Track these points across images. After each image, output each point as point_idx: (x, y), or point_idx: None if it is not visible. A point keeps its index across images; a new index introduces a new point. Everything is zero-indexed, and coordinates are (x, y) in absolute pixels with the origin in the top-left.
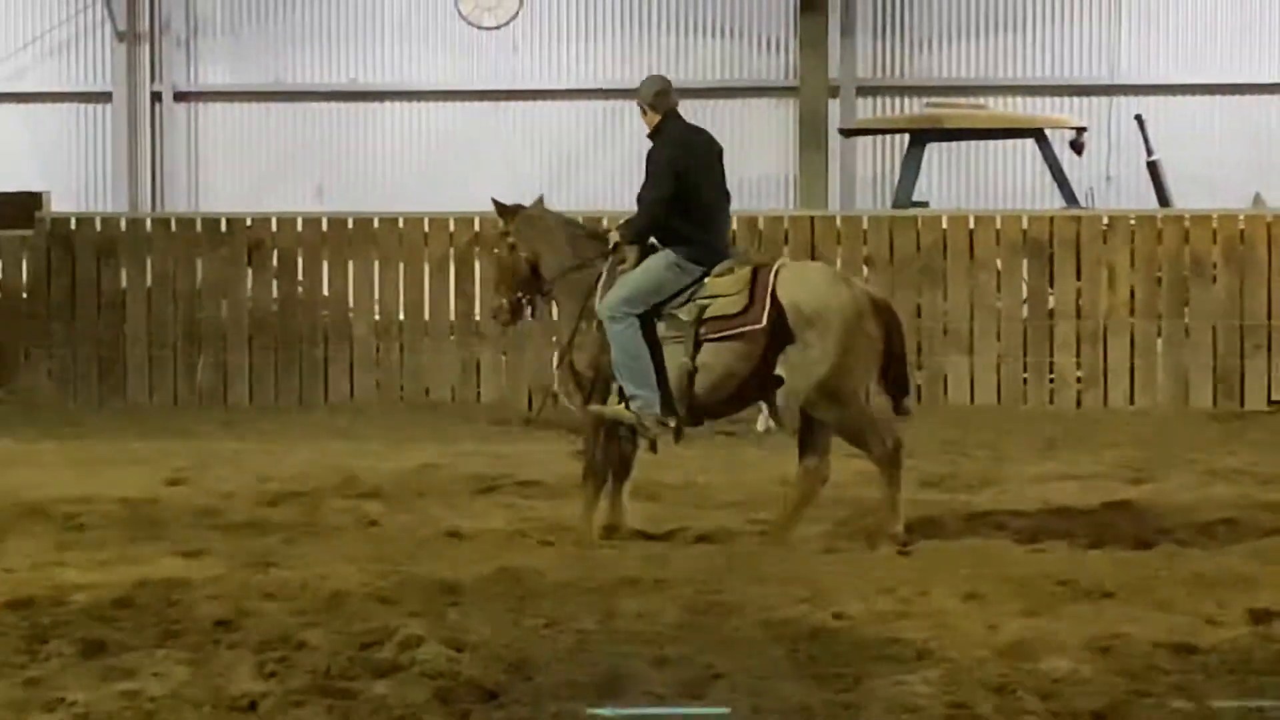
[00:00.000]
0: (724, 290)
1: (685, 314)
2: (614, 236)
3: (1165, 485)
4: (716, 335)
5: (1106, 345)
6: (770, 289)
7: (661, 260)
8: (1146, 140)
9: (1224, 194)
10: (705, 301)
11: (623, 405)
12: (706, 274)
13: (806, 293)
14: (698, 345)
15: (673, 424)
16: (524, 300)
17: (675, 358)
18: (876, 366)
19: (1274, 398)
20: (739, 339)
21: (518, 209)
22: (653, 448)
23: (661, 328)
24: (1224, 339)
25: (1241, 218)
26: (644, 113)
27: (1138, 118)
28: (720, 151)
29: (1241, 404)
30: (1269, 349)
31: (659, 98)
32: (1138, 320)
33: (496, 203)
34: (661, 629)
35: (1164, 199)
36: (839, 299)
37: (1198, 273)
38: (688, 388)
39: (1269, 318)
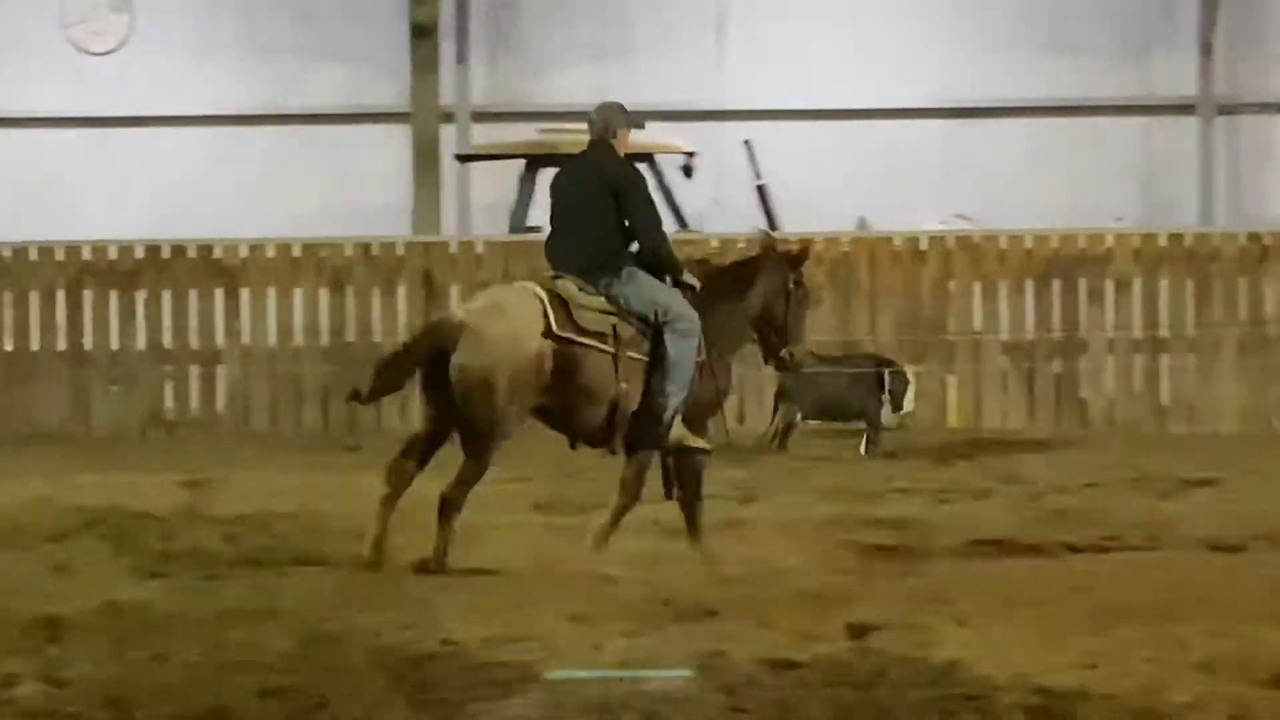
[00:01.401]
0: None
1: None
2: None
3: (771, 504)
4: None
5: None
6: None
7: None
8: (754, 164)
9: (830, 217)
10: None
11: None
12: None
13: None
14: None
15: None
16: None
17: None
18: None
19: None
20: None
21: None
22: None
23: None
24: None
25: (846, 241)
26: None
27: (746, 142)
28: (585, 176)
29: (848, 422)
30: None
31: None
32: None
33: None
34: (269, 660)
35: (772, 222)
36: None
37: None
38: None
39: (873, 337)
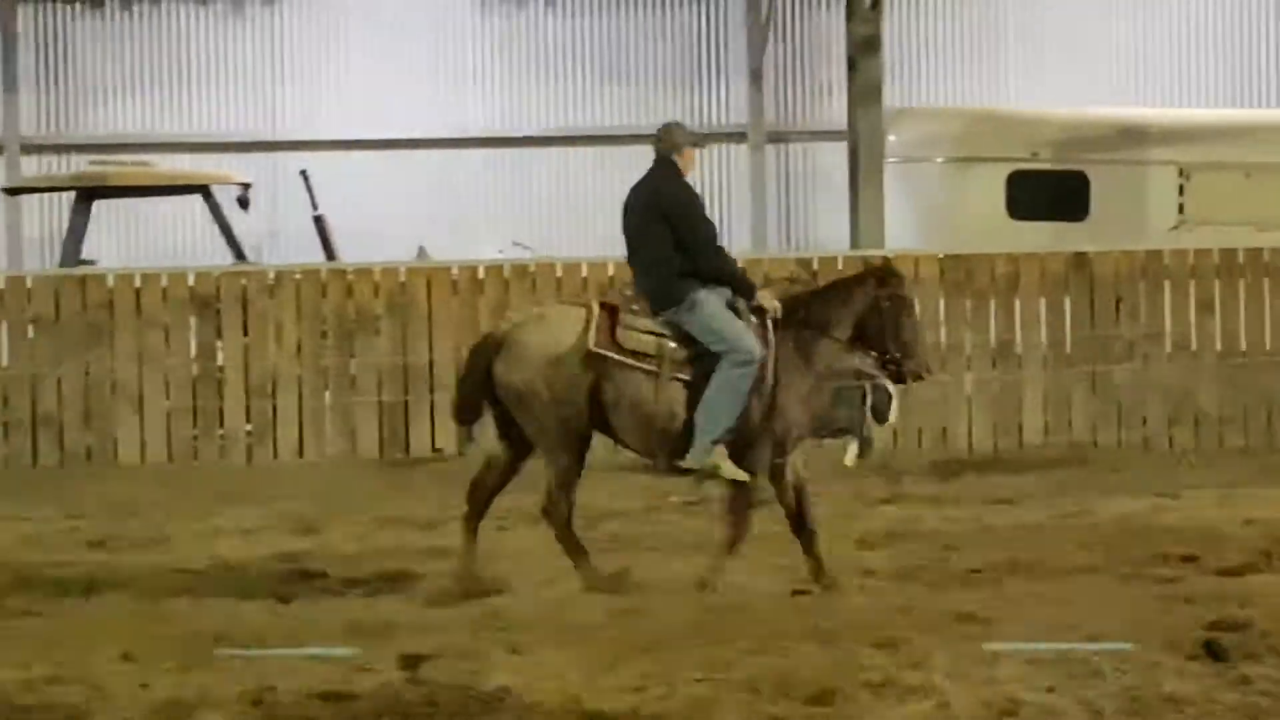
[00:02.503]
0: None
1: None
2: None
3: (331, 536)
4: None
5: (275, 399)
6: None
7: None
8: (312, 195)
9: (389, 246)
10: None
11: None
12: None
13: None
14: None
15: None
16: None
17: None
18: None
19: (438, 445)
20: None
21: None
22: None
23: None
24: (390, 388)
25: (403, 270)
26: None
27: (302, 173)
28: (643, 199)
29: (408, 452)
30: (432, 397)
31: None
32: (305, 373)
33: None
34: None
35: (330, 253)
36: None
37: (362, 325)
38: None
39: (431, 367)
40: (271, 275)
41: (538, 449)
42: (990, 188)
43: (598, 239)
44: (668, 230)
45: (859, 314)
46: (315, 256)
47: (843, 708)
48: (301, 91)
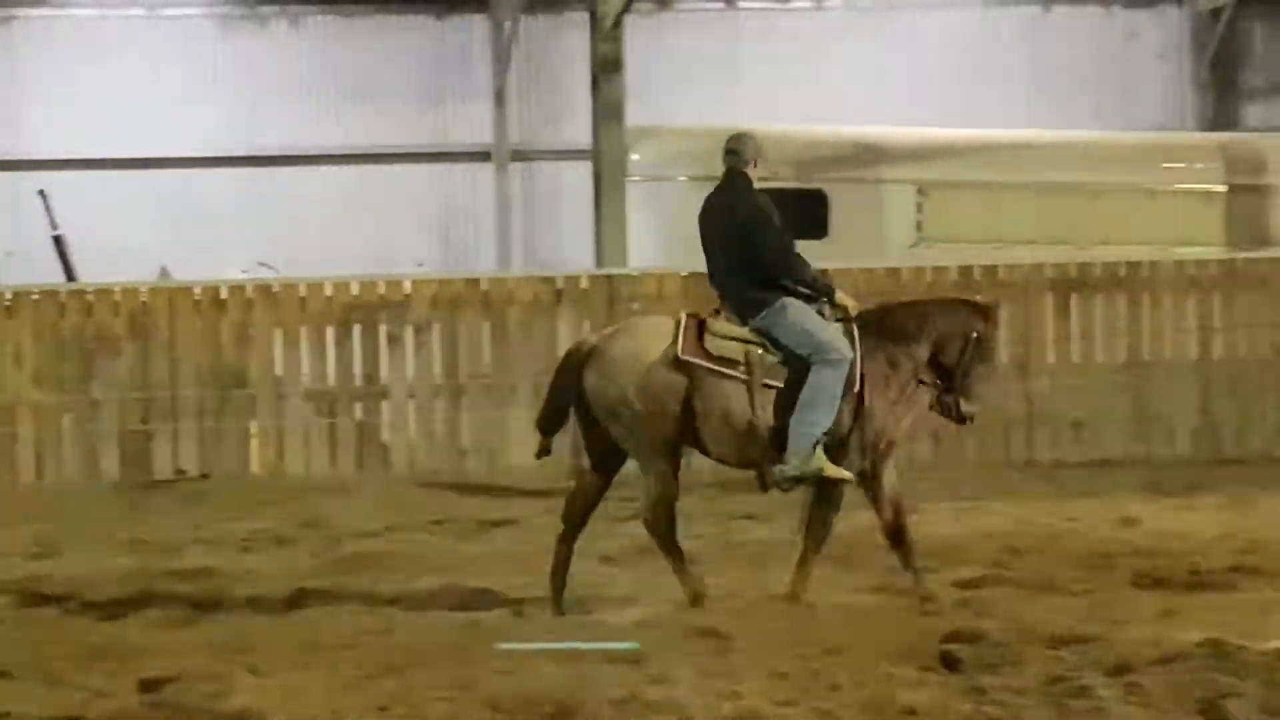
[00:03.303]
0: None
1: None
2: None
3: (69, 559)
4: None
5: (15, 421)
6: None
7: None
8: (50, 215)
9: (131, 267)
10: None
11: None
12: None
13: None
14: None
15: None
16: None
17: None
18: None
19: (181, 466)
20: None
21: None
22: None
23: None
24: (130, 410)
25: (144, 290)
26: None
27: (41, 192)
28: (720, 212)
29: (150, 473)
30: (174, 418)
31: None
32: (44, 395)
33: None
34: None
35: (70, 273)
36: None
37: (102, 346)
38: None
39: (173, 387)
40: (9, 296)
41: (632, 459)
42: None
43: (342, 258)
44: (747, 240)
45: (943, 336)
46: (54, 277)
47: None
48: (40, 110)
